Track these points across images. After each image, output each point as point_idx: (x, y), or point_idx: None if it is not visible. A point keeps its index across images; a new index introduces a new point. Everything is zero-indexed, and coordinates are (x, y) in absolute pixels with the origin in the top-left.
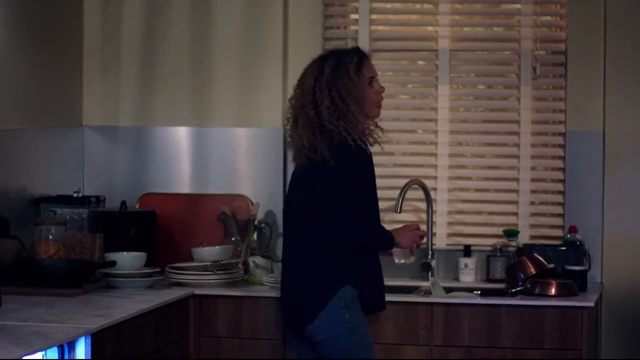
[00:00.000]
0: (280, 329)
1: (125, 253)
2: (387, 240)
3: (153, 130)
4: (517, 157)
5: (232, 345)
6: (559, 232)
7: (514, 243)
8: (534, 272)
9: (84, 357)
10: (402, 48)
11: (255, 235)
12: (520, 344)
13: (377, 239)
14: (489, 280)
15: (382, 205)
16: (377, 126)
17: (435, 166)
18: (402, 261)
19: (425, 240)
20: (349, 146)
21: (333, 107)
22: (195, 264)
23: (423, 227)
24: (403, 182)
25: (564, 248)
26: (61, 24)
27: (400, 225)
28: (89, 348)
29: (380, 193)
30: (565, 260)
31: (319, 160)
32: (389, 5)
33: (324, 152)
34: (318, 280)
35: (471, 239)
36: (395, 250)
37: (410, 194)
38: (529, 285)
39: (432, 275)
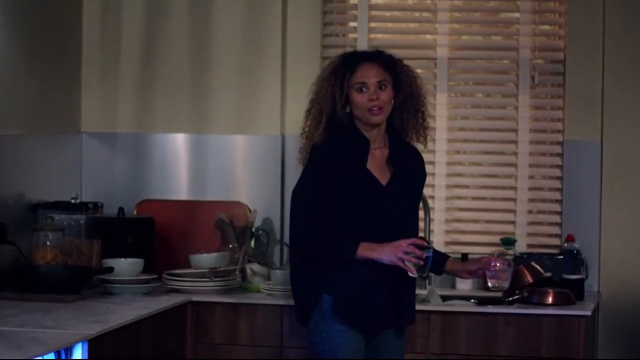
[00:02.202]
0: (277, 335)
1: (122, 259)
2: (344, 252)
3: (151, 137)
4: (515, 165)
5: (229, 352)
6: (556, 241)
7: (511, 251)
8: (531, 281)
9: None
10: (400, 56)
11: (252, 243)
12: (517, 352)
13: (322, 249)
14: (486, 288)
15: None
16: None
17: (433, 174)
18: (410, 275)
19: (424, 255)
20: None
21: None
22: (192, 270)
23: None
24: None
25: (561, 257)
26: (60, 31)
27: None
28: (86, 354)
29: None
30: (562, 269)
31: None
32: (387, 14)
33: None
34: (305, 288)
35: (468, 247)
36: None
37: None
38: (526, 294)
39: (429, 284)
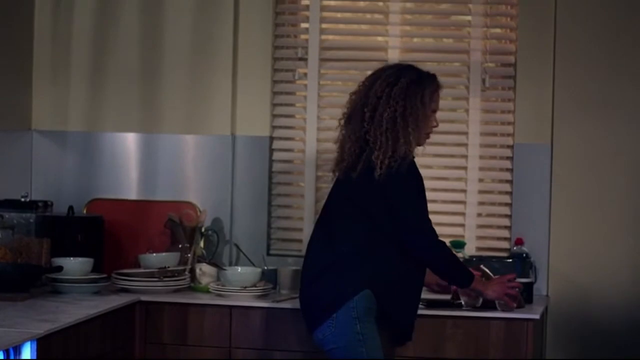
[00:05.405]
0: (226, 336)
1: (72, 258)
2: (464, 280)
3: (102, 135)
4: (465, 168)
5: (178, 352)
6: (505, 244)
7: (460, 254)
8: None
9: None
10: (351, 58)
11: (202, 243)
12: (466, 355)
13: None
14: (434, 291)
15: None
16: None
17: None
18: (505, 309)
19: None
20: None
21: (390, 119)
22: (141, 270)
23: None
24: None
25: (510, 260)
26: (11, 28)
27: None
28: (35, 353)
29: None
30: (511, 272)
31: (364, 171)
32: (339, 15)
33: (372, 164)
34: (334, 283)
35: None
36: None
37: None
38: None
39: None
